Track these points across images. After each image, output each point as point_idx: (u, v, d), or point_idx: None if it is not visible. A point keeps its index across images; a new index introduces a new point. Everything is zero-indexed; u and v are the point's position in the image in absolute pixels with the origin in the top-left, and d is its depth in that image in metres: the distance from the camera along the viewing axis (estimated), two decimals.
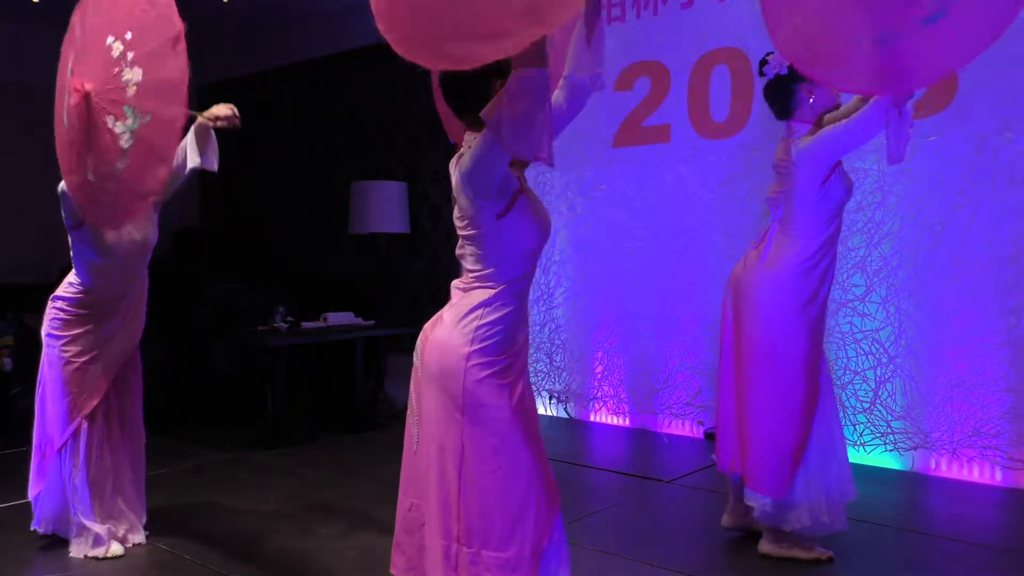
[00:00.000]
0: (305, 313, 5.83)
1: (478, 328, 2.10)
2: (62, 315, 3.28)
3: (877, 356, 4.49)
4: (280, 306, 5.65)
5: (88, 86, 2.68)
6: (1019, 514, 3.83)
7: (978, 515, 3.79)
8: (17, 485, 4.16)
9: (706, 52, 5.07)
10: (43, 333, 3.31)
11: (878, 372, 4.49)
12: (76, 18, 2.89)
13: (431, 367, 2.14)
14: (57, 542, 3.38)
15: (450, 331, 2.13)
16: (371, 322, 5.86)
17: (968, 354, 4.23)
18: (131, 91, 2.65)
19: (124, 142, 2.66)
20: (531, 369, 5.97)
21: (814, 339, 3.15)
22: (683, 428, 5.24)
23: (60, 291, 3.31)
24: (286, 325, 5.56)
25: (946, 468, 4.31)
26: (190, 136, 3.10)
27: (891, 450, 4.45)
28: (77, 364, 3.26)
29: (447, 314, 2.17)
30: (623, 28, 5.43)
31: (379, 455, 4.88)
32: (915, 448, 4.38)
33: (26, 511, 3.79)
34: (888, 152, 2.83)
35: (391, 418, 5.81)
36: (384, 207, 6.01)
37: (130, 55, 2.66)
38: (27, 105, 7.15)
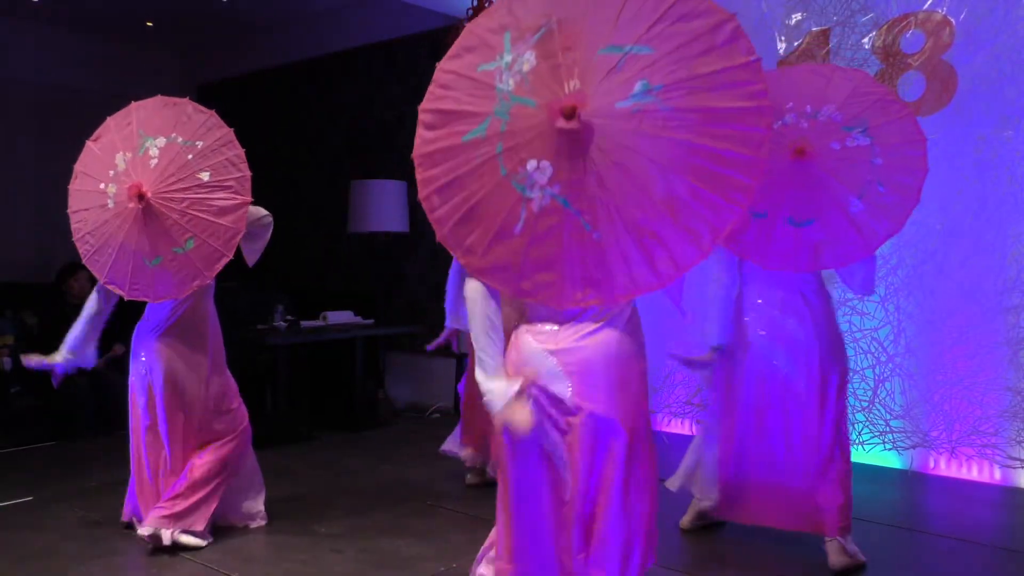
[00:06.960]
0: (305, 312, 5.82)
1: None
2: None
3: (876, 355, 4.49)
4: (280, 305, 5.64)
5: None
6: (1018, 513, 3.84)
7: (977, 514, 3.79)
8: (16, 484, 4.17)
9: None
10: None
11: (877, 371, 4.49)
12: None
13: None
14: (57, 542, 3.38)
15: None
16: (370, 321, 5.86)
17: (967, 353, 4.23)
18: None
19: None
20: None
21: None
22: (682, 427, 5.24)
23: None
24: (285, 324, 5.55)
25: (945, 467, 4.31)
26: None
27: (890, 449, 4.45)
28: None
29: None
30: None
31: (379, 455, 4.88)
32: (914, 447, 4.38)
33: (27, 509, 3.81)
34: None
35: (392, 416, 5.81)
36: (384, 206, 6.01)
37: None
38: (26, 104, 7.18)
